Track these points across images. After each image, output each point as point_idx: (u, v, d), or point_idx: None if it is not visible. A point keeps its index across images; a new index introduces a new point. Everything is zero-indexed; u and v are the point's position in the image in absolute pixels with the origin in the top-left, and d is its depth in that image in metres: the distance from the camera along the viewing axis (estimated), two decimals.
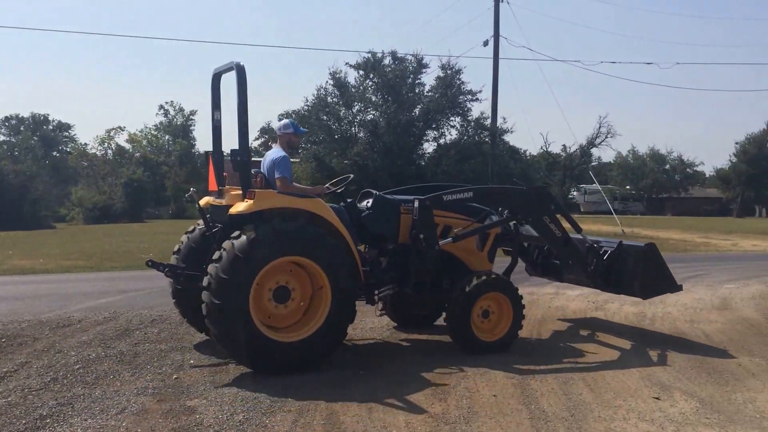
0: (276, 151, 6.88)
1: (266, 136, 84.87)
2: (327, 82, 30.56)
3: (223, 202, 6.66)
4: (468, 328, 6.96)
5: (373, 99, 30.72)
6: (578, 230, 7.99)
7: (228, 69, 6.65)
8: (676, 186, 67.83)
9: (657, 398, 5.71)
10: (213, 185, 6.89)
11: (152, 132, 59.39)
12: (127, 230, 30.29)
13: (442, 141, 31.29)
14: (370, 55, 30.48)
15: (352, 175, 7.64)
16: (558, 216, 7.70)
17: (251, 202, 6.21)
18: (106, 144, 57.19)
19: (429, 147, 32.30)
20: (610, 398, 5.71)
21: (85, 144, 65.81)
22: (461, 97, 30.67)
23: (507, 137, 32.93)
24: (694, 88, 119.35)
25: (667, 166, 69.24)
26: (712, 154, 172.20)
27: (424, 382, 6.05)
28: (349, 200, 7.28)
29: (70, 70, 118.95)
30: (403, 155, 28.60)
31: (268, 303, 6.33)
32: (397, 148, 28.46)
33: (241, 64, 6.40)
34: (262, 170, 6.82)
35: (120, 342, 7.35)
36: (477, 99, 31.46)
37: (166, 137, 59.81)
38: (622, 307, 9.70)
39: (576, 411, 5.37)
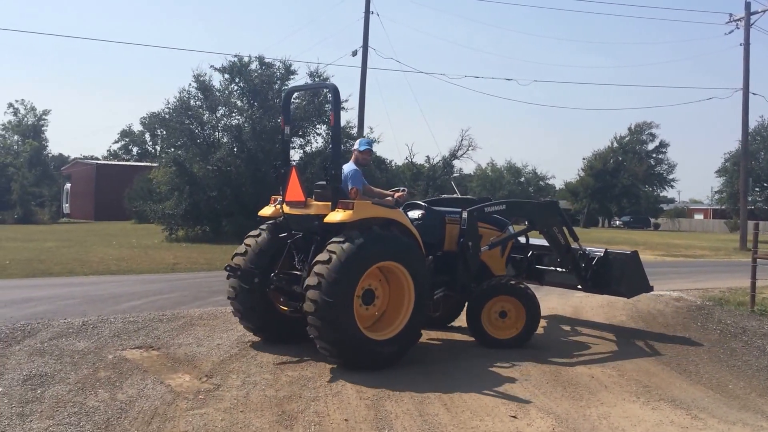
0: (349, 165, 7.67)
1: (126, 139, 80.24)
2: (190, 84, 29.22)
3: (311, 211, 7.06)
4: (479, 324, 7.76)
5: (239, 104, 29.75)
6: (576, 239, 8.80)
7: (316, 87, 6.61)
8: (530, 197, 71.65)
9: (514, 416, 5.68)
10: (296, 195, 7.27)
11: None
12: None
13: (308, 149, 30.90)
14: (236, 58, 29.57)
15: (405, 189, 8.05)
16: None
17: (351, 211, 6.64)
18: None
19: (295, 154, 31.78)
20: (466, 419, 5.61)
21: None
22: (327, 105, 30.48)
23: (374, 147, 32.95)
24: (550, 105, 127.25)
25: (522, 179, 73.11)
26: (564, 168, 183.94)
27: (273, 406, 5.70)
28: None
29: None
30: (267, 161, 27.87)
31: (358, 306, 6.74)
32: (262, 154, 27.67)
33: (335, 84, 7.05)
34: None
35: None
36: (344, 108, 31.38)
37: (15, 137, 55.92)
38: None
39: None
